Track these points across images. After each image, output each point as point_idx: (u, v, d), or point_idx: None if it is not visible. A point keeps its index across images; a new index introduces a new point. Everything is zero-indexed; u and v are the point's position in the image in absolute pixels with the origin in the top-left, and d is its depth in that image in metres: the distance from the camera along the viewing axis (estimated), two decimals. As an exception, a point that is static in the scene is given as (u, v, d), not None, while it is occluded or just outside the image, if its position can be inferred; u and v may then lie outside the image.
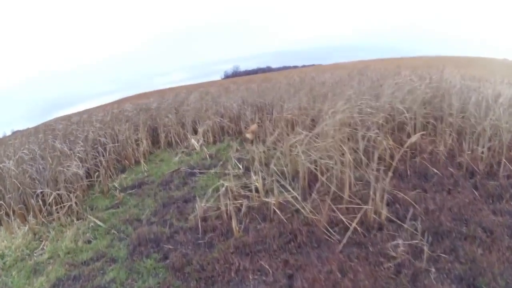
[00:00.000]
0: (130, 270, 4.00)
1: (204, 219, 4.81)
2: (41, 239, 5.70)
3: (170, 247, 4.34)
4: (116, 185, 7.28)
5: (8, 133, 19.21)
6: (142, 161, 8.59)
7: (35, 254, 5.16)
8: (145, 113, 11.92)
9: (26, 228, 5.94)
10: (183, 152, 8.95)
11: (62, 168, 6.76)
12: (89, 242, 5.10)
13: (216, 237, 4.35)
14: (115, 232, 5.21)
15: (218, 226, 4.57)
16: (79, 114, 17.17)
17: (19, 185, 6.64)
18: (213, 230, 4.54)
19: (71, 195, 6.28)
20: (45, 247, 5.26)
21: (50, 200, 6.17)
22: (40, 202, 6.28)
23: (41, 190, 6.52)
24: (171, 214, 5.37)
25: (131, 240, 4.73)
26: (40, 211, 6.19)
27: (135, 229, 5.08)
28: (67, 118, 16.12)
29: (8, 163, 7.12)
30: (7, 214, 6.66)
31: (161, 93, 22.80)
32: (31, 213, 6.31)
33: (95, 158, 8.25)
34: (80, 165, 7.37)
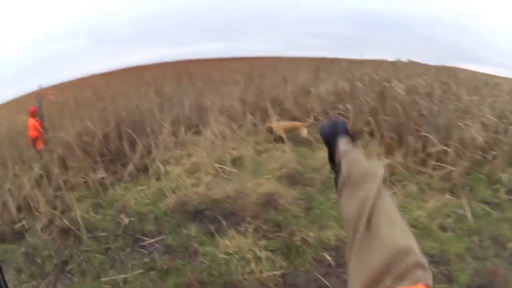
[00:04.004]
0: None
1: None
2: (396, 183, 5.30)
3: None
4: (504, 179, 5.73)
5: (403, 59, 17.52)
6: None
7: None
8: None
9: (386, 162, 5.51)
10: None
11: (461, 124, 5.95)
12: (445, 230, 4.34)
13: None
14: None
15: None
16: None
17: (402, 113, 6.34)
18: None
19: (461, 160, 5.53)
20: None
21: (434, 150, 5.56)
22: (420, 146, 5.64)
23: (425, 134, 5.91)
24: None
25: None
26: (415, 154, 5.58)
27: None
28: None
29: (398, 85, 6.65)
30: (372, 134, 6.26)
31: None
32: (404, 150, 5.77)
33: (496, 134, 6.75)
34: (481, 130, 6.34)
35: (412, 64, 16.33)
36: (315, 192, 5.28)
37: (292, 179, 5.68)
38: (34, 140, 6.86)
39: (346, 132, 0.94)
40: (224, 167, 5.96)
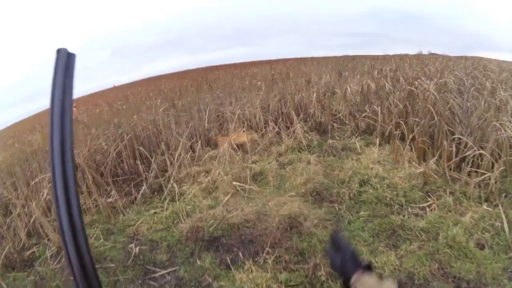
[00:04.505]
0: None
1: None
2: (430, 194, 4.79)
3: None
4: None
5: (425, 52, 18.75)
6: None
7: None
8: None
9: (420, 170, 5.08)
10: None
11: (496, 123, 5.36)
12: (482, 247, 3.82)
13: None
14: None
15: None
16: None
17: (434, 113, 5.79)
18: None
19: (496, 164, 4.86)
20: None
21: (469, 154, 5.06)
22: (454, 149, 5.19)
23: (458, 137, 5.39)
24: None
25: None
26: (449, 159, 5.15)
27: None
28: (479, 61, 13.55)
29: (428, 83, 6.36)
30: (403, 138, 5.99)
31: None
32: (437, 155, 5.34)
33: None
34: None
35: (435, 57, 15.50)
36: (343, 209, 4.78)
37: (318, 196, 5.20)
38: None
39: (354, 261, 0.98)
40: (244, 185, 5.50)
